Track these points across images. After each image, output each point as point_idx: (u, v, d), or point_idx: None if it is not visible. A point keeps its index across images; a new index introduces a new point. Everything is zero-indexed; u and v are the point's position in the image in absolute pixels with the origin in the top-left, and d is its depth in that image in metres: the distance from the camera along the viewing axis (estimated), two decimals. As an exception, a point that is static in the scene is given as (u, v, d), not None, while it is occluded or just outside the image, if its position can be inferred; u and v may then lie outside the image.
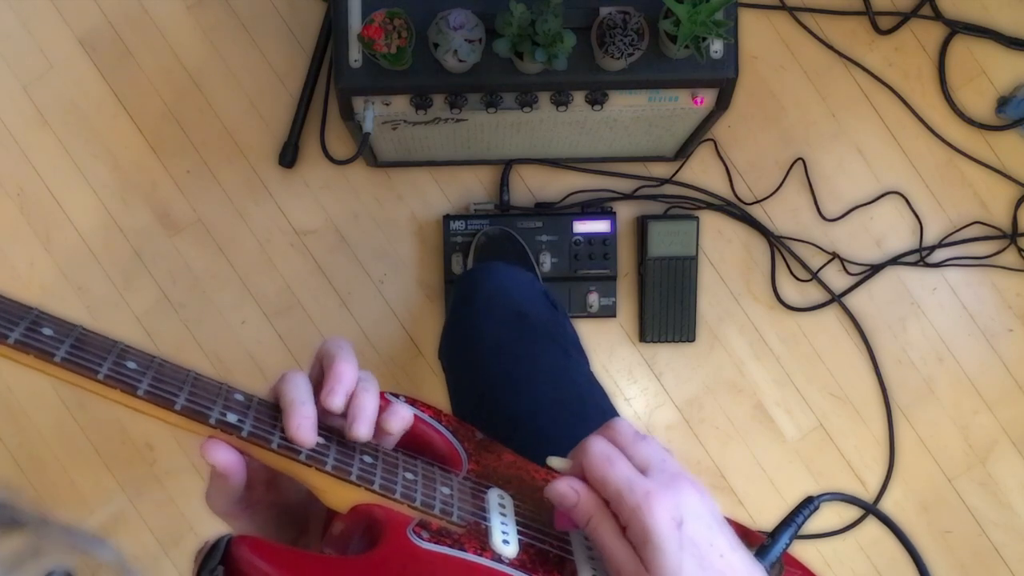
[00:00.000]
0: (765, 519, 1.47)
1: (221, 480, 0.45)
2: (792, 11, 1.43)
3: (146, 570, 1.46)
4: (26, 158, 1.42)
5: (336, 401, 0.46)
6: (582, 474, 0.48)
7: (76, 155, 1.42)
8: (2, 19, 1.41)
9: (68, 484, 1.44)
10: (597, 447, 0.48)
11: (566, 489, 0.48)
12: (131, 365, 0.42)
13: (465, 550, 0.46)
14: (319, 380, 0.48)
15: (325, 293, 1.44)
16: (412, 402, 0.55)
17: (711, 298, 1.46)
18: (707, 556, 0.44)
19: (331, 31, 1.15)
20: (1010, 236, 1.45)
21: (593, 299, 1.40)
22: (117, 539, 1.45)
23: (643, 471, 0.47)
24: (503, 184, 1.41)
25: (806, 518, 0.53)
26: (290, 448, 0.45)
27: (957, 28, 1.42)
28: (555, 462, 0.51)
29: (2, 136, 1.42)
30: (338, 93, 1.03)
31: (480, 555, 0.47)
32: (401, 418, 0.50)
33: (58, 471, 1.44)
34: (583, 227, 1.38)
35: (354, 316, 1.45)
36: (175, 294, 1.43)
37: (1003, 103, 1.42)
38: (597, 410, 0.80)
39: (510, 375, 0.81)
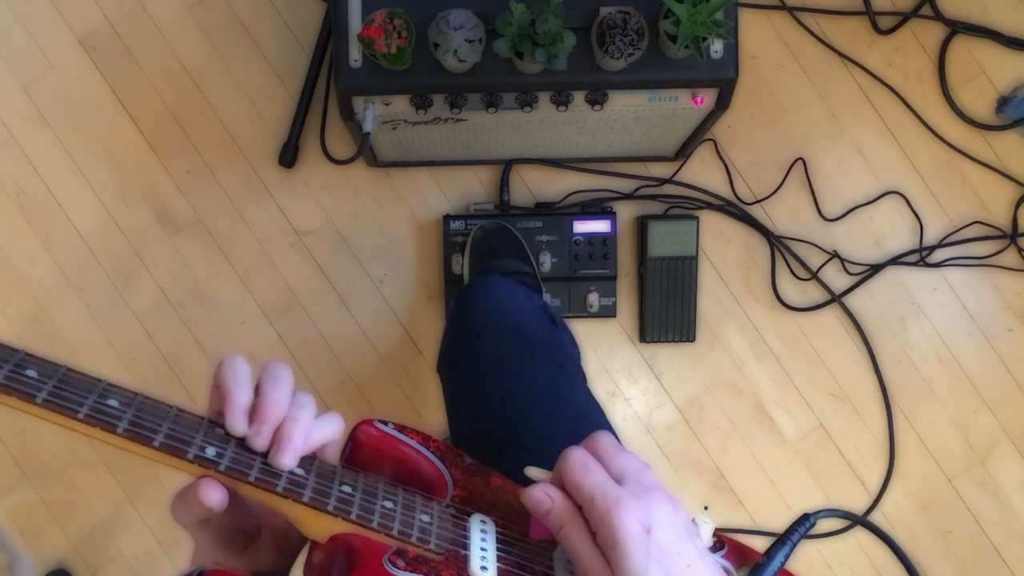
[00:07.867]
0: (765, 519, 1.47)
1: (202, 510, 0.46)
2: (792, 11, 1.43)
3: (146, 570, 1.46)
4: (26, 158, 1.42)
5: (262, 442, 0.46)
6: (561, 483, 0.49)
7: (76, 155, 1.42)
8: (2, 19, 1.41)
9: (68, 484, 1.44)
10: (576, 455, 0.49)
11: (541, 496, 0.49)
12: (113, 403, 0.42)
13: None
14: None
15: (325, 293, 1.44)
16: (401, 429, 0.56)
17: (711, 298, 1.46)
18: (674, 564, 0.44)
19: (331, 31, 1.15)
20: (1010, 236, 1.45)
21: (593, 299, 1.39)
22: (117, 539, 1.45)
23: (619, 481, 0.48)
24: (503, 184, 1.41)
25: (802, 536, 0.53)
26: (267, 481, 0.45)
27: (957, 28, 1.42)
28: (533, 472, 0.52)
29: (2, 136, 1.42)
30: (338, 93, 1.03)
31: None
32: (330, 426, 0.50)
33: (58, 471, 1.44)
34: (583, 227, 1.38)
35: (354, 316, 1.45)
36: (175, 294, 1.43)
37: (1003, 103, 1.42)
38: (592, 426, 0.81)
39: (506, 390, 0.82)
